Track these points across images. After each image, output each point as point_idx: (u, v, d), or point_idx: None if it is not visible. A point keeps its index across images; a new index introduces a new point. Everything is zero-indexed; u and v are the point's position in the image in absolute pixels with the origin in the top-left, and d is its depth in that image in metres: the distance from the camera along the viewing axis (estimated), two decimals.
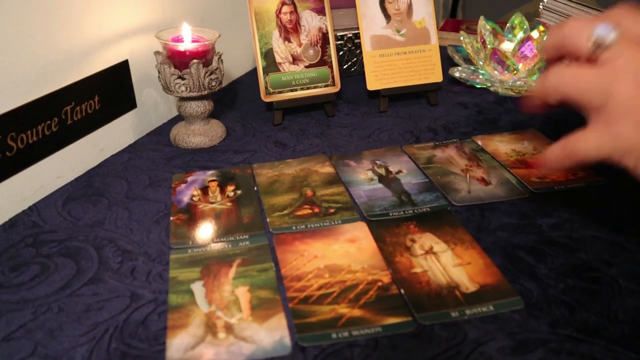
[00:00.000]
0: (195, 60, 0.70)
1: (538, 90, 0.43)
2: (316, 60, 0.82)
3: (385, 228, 0.57)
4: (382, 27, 0.84)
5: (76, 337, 0.45)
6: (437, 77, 0.86)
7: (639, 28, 0.40)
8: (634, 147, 0.37)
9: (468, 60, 0.98)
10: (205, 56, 0.72)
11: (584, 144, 0.40)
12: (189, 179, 0.67)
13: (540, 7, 0.72)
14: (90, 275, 0.52)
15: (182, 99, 0.74)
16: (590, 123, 0.40)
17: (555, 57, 0.44)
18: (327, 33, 0.82)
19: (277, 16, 0.80)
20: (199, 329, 0.45)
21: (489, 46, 0.91)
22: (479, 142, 0.74)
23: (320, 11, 0.82)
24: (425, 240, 0.55)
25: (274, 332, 0.45)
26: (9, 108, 0.60)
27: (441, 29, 1.24)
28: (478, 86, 0.92)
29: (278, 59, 0.81)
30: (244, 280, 0.51)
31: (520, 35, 0.96)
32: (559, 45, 0.43)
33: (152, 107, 0.82)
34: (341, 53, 0.98)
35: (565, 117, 0.82)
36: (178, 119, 0.84)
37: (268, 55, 0.80)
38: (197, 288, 0.50)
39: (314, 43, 0.82)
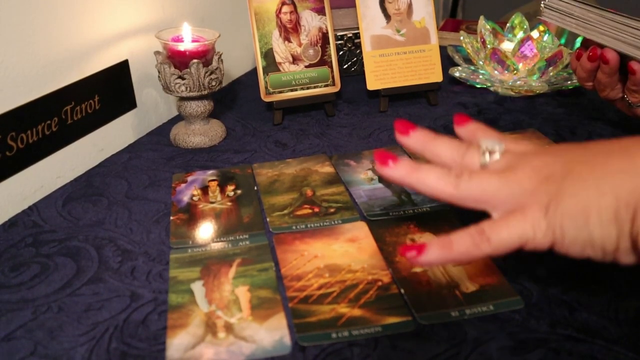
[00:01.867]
0: (195, 60, 0.70)
1: (446, 192, 0.41)
2: (316, 60, 0.82)
3: (385, 228, 0.57)
4: (382, 27, 0.84)
5: (76, 337, 0.45)
6: (437, 77, 0.86)
7: (517, 146, 0.43)
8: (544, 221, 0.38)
9: (468, 60, 0.98)
10: (205, 56, 0.72)
11: (501, 232, 0.39)
12: (189, 178, 0.67)
13: (542, 6, 0.72)
14: (90, 275, 0.52)
15: (182, 98, 0.74)
16: (494, 219, 0.40)
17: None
18: (327, 33, 0.82)
19: (277, 16, 0.80)
20: (199, 329, 0.45)
21: (489, 46, 0.91)
22: None
23: (320, 11, 0.82)
24: (425, 240, 0.55)
25: (274, 331, 0.45)
26: (9, 108, 0.60)
27: (441, 28, 1.24)
28: (478, 86, 0.92)
29: (278, 59, 0.81)
30: (244, 279, 0.51)
31: (520, 35, 0.96)
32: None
33: (152, 107, 0.82)
34: (341, 53, 0.98)
35: (566, 117, 0.82)
36: (178, 118, 0.84)
37: (268, 55, 0.80)
38: (197, 288, 0.50)
39: (314, 43, 0.82)
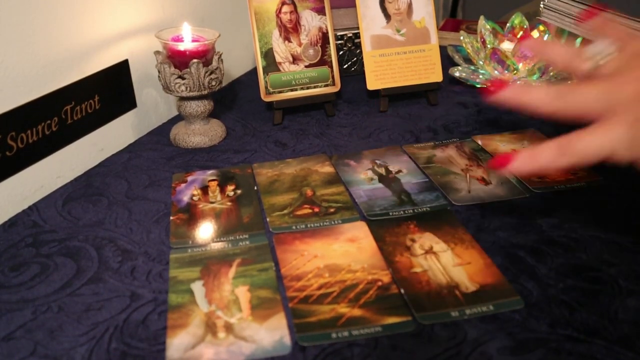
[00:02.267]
0: (195, 60, 0.70)
1: (545, 103, 0.42)
2: (316, 60, 0.82)
3: (385, 228, 0.57)
4: (382, 26, 0.84)
5: (76, 337, 0.45)
6: (437, 76, 0.86)
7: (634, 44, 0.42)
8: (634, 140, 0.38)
9: (468, 60, 0.98)
10: (205, 56, 0.72)
11: (585, 142, 0.40)
12: (189, 178, 0.67)
13: (541, 6, 0.72)
14: (90, 275, 0.52)
15: (182, 98, 0.74)
16: (590, 126, 0.40)
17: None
18: (327, 33, 0.82)
19: (277, 16, 0.80)
20: (199, 329, 0.45)
21: (489, 46, 0.91)
22: (479, 142, 0.74)
23: (320, 11, 0.82)
24: (425, 240, 0.55)
25: (274, 331, 0.45)
26: (9, 108, 0.60)
27: (441, 28, 1.24)
28: (478, 86, 0.92)
29: (278, 59, 0.81)
30: (244, 279, 0.51)
31: (520, 35, 0.95)
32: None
33: (152, 107, 0.82)
34: (341, 53, 0.98)
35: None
36: (178, 118, 0.84)
37: (268, 55, 0.80)
38: (197, 288, 0.50)
39: (314, 43, 0.82)
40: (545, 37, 0.91)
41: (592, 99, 0.39)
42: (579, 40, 0.77)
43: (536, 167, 0.42)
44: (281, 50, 0.81)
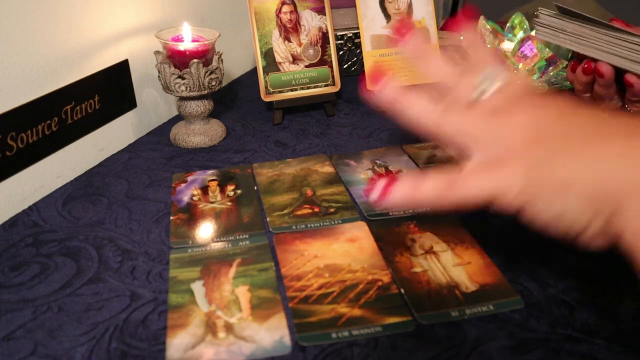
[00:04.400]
0: (195, 60, 0.70)
1: (431, 123, 0.40)
2: (316, 60, 0.82)
3: (385, 228, 0.57)
4: (382, 26, 0.84)
5: (76, 337, 0.45)
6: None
7: (519, 85, 0.39)
8: (522, 187, 0.36)
9: None
10: (205, 56, 0.72)
11: (476, 180, 0.37)
12: (189, 178, 0.67)
13: (535, 24, 0.72)
14: (90, 275, 0.52)
15: (182, 98, 0.74)
16: (471, 165, 0.38)
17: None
18: (327, 33, 0.82)
19: (277, 16, 0.80)
20: (199, 329, 0.45)
21: (489, 46, 0.91)
22: None
23: (320, 11, 0.82)
24: (425, 239, 0.55)
25: (274, 331, 0.45)
26: (9, 108, 0.60)
27: (441, 28, 1.24)
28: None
29: (278, 59, 0.81)
30: (244, 279, 0.51)
31: (520, 35, 0.95)
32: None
33: (152, 107, 0.82)
34: (341, 53, 0.98)
35: None
36: (178, 118, 0.84)
37: (268, 54, 0.80)
38: (197, 287, 0.50)
39: (314, 43, 0.82)
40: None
41: (483, 127, 0.37)
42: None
43: (416, 201, 0.39)
44: (281, 50, 0.81)
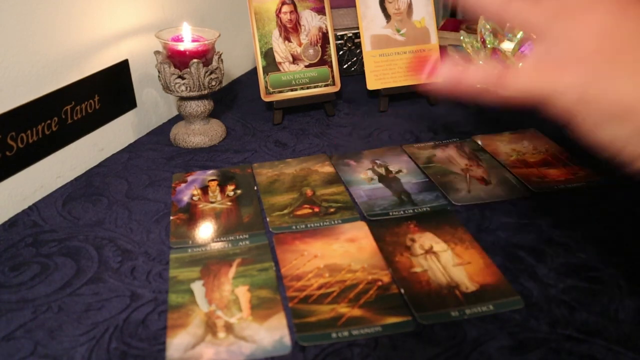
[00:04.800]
0: (195, 60, 0.70)
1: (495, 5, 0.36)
2: (316, 60, 0.82)
3: (385, 227, 0.57)
4: (382, 26, 0.84)
5: (76, 337, 0.45)
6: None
7: None
8: (577, 89, 0.33)
9: (468, 60, 0.98)
10: (205, 56, 0.72)
11: (518, 77, 0.35)
12: (189, 178, 0.67)
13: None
14: (90, 275, 0.52)
15: (182, 98, 0.74)
16: (530, 59, 0.36)
17: None
18: (327, 33, 0.82)
19: (277, 16, 0.80)
20: (199, 329, 0.45)
21: (489, 46, 0.91)
22: (479, 142, 0.74)
23: (320, 11, 0.82)
24: (425, 239, 0.55)
25: (274, 331, 0.45)
26: (9, 108, 0.60)
27: (441, 28, 1.23)
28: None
29: (278, 59, 0.81)
30: (244, 279, 0.51)
31: (520, 34, 0.95)
32: None
33: (152, 107, 0.82)
34: (341, 53, 0.98)
35: None
36: (178, 118, 0.84)
37: (268, 54, 0.80)
38: (197, 287, 0.50)
39: (314, 42, 0.82)
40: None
41: (550, 18, 0.34)
42: None
43: (463, 83, 0.37)
44: (281, 50, 0.81)
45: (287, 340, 0.44)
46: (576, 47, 0.33)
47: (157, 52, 0.73)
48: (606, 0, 0.33)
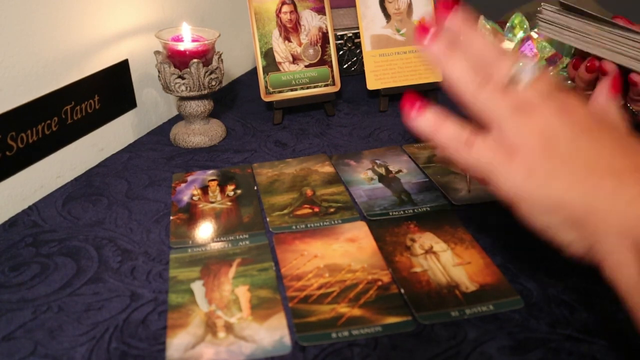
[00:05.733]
0: (195, 60, 0.70)
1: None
2: (316, 60, 0.82)
3: (385, 227, 0.57)
4: (382, 26, 0.84)
5: (76, 337, 0.45)
6: (437, 76, 0.86)
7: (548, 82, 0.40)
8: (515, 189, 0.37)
9: None
10: (205, 56, 0.72)
11: (484, 149, 0.38)
12: (189, 178, 0.67)
13: (538, 20, 0.71)
14: (90, 275, 0.52)
15: (182, 98, 0.74)
16: (487, 137, 0.39)
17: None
18: (327, 32, 0.82)
19: (277, 16, 0.80)
20: (199, 329, 0.45)
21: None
22: None
23: (320, 11, 0.82)
24: (425, 239, 0.55)
25: (274, 331, 0.45)
26: (9, 108, 0.60)
27: None
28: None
29: (278, 59, 0.81)
30: (244, 279, 0.51)
31: (520, 34, 0.95)
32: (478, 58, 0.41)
33: (152, 107, 0.82)
34: (341, 52, 0.98)
35: None
36: (178, 118, 0.84)
37: (268, 54, 0.80)
38: (197, 287, 0.50)
39: (314, 42, 0.82)
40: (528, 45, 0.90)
41: (505, 112, 0.38)
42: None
43: (433, 136, 0.40)
44: (281, 50, 0.81)
45: (287, 340, 0.44)
46: (523, 142, 0.37)
47: (157, 52, 0.73)
48: (554, 104, 0.38)
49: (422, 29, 0.41)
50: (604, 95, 0.43)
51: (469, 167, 0.39)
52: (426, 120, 0.40)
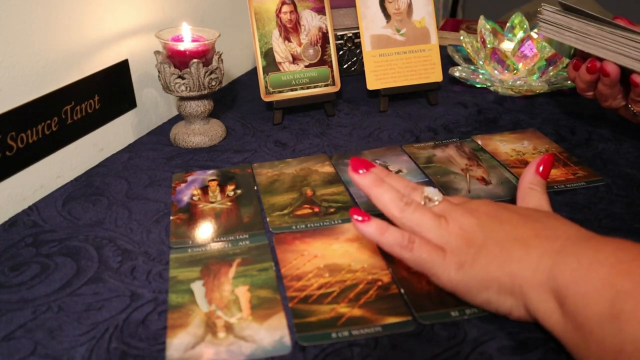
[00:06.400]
0: (195, 60, 0.70)
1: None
2: (316, 60, 0.82)
3: None
4: (382, 26, 0.84)
5: (76, 337, 0.45)
6: (437, 76, 0.86)
7: (452, 199, 0.50)
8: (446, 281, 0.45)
9: (468, 60, 0.98)
10: (205, 56, 0.72)
11: (422, 250, 0.46)
12: (189, 178, 0.67)
13: (539, 20, 0.71)
14: (90, 275, 0.52)
15: (182, 98, 0.74)
16: (423, 240, 0.46)
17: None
18: (327, 32, 0.82)
19: (277, 16, 0.80)
20: (199, 329, 0.45)
21: (489, 46, 0.91)
22: (479, 142, 0.74)
23: (320, 11, 0.82)
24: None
25: (274, 331, 0.45)
26: (9, 108, 0.60)
27: (441, 28, 1.24)
28: (478, 86, 0.92)
29: (278, 59, 0.81)
30: (244, 279, 0.51)
31: (520, 34, 0.96)
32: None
33: (152, 107, 0.82)
34: (341, 52, 0.98)
35: (566, 117, 0.82)
36: (178, 118, 0.84)
37: (268, 54, 0.80)
38: (197, 287, 0.50)
39: (314, 42, 0.82)
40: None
41: (429, 226, 0.47)
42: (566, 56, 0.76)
43: (378, 241, 0.47)
44: (281, 50, 0.81)
45: (287, 340, 0.44)
46: (447, 242, 0.45)
47: (157, 52, 0.73)
48: (461, 209, 0.47)
49: (356, 164, 0.50)
50: (531, 173, 0.52)
51: (413, 265, 0.46)
52: (370, 227, 0.47)
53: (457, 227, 0.46)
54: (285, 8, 0.81)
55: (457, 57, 1.00)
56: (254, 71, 1.04)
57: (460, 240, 0.45)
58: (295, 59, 0.81)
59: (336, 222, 0.59)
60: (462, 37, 0.95)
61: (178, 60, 0.71)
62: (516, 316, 0.44)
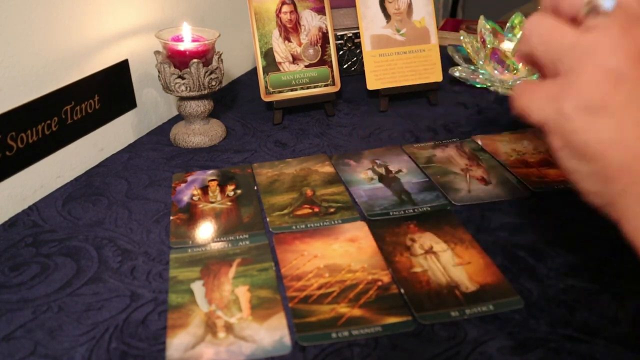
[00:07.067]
0: (195, 60, 0.70)
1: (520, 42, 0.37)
2: (316, 60, 0.82)
3: (385, 227, 0.57)
4: (382, 26, 0.84)
5: (76, 337, 0.45)
6: (437, 76, 0.86)
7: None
8: (566, 129, 0.34)
9: (468, 60, 0.98)
10: (205, 56, 0.72)
11: (527, 98, 0.36)
12: (189, 178, 0.67)
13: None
14: (90, 275, 0.52)
15: (182, 98, 0.74)
16: (545, 81, 0.36)
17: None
18: (327, 32, 0.82)
19: (277, 16, 0.80)
20: (199, 329, 0.45)
21: (489, 46, 0.91)
22: (479, 142, 0.74)
23: (320, 11, 0.82)
24: (425, 239, 0.55)
25: (274, 331, 0.45)
26: (9, 108, 0.60)
27: (441, 28, 1.24)
28: (478, 86, 0.92)
29: (278, 59, 0.81)
30: (244, 279, 0.51)
31: (520, 34, 0.95)
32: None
33: (152, 107, 0.82)
34: (341, 52, 0.98)
35: None
36: (178, 118, 0.84)
37: (268, 54, 0.80)
38: (197, 287, 0.50)
39: (314, 42, 0.82)
40: None
41: (571, 40, 0.34)
42: None
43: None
44: (281, 50, 0.81)
45: (287, 340, 0.44)
46: (578, 84, 0.33)
47: (157, 52, 0.73)
48: (619, 49, 0.33)
49: None
50: None
51: (524, 115, 0.36)
52: None
53: (603, 65, 0.33)
54: (285, 8, 0.81)
55: (457, 57, 0.99)
56: (254, 71, 1.04)
57: (598, 74, 0.33)
58: (295, 59, 0.81)
59: (336, 222, 0.59)
60: (462, 37, 0.95)
61: (178, 60, 0.71)
62: (591, 201, 0.35)
